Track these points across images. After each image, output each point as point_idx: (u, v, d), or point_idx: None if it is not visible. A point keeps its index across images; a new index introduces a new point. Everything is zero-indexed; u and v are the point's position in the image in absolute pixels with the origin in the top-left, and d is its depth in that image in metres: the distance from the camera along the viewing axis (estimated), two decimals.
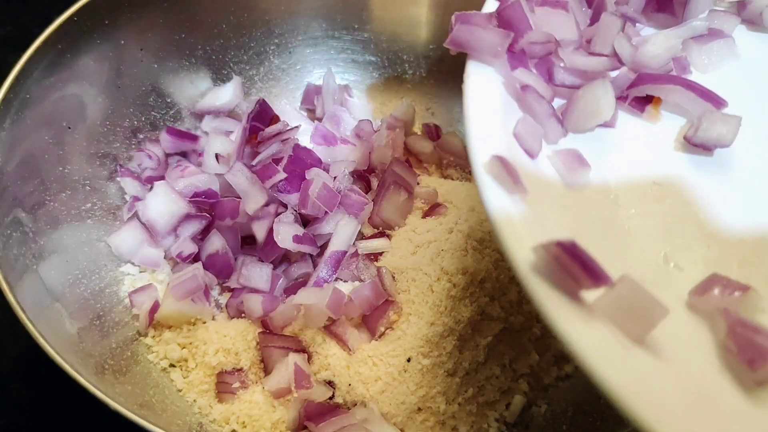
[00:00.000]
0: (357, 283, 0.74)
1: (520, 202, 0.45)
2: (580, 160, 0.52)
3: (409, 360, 0.67)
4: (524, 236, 0.43)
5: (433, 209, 0.81)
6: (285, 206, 0.76)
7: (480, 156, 0.47)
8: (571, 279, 0.41)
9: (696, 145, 0.56)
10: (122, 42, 0.79)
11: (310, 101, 0.95)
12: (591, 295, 0.42)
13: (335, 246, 0.74)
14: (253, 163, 0.78)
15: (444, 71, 0.97)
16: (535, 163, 0.51)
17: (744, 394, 0.42)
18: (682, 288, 0.48)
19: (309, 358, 0.69)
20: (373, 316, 0.70)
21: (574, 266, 0.40)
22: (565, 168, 0.51)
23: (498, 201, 0.45)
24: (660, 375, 0.40)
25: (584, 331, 0.39)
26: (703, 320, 0.47)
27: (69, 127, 0.75)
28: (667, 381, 0.40)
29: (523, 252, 0.42)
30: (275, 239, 0.72)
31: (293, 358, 0.67)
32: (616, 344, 0.40)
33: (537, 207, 0.46)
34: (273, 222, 0.74)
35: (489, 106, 0.51)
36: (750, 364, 0.42)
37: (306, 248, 0.74)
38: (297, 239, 0.73)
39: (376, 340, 0.70)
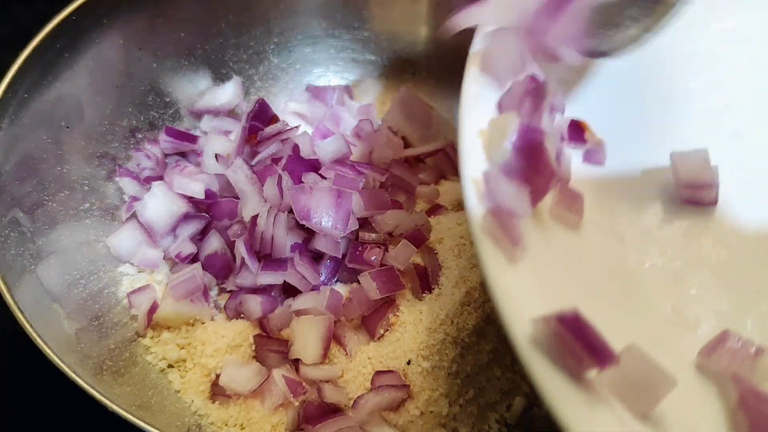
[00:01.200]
0: (355, 284, 0.74)
1: (519, 261, 0.41)
2: (576, 198, 0.48)
3: (409, 363, 0.67)
4: (523, 304, 0.39)
5: (435, 209, 0.80)
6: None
7: (477, 211, 0.42)
8: (574, 359, 0.37)
9: (689, 202, 0.53)
10: (121, 41, 0.79)
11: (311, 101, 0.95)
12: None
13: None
14: (253, 162, 0.78)
15: (444, 70, 0.96)
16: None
17: None
18: (691, 346, 0.44)
19: None
20: (373, 318, 0.70)
21: (577, 345, 0.37)
22: (564, 209, 0.48)
23: (497, 267, 0.40)
24: None
25: (587, 418, 0.36)
26: (713, 384, 0.43)
27: (67, 127, 0.74)
28: None
29: (521, 324, 0.38)
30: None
31: (277, 374, 0.66)
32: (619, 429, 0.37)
33: (537, 258, 0.42)
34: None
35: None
36: None
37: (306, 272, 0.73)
38: (294, 248, 0.73)
39: (375, 341, 0.70)
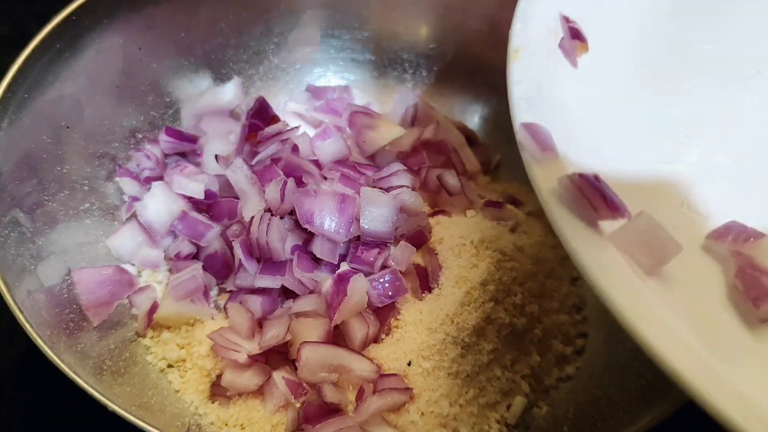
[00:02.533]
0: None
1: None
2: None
3: (409, 364, 0.67)
4: (552, 169, 0.46)
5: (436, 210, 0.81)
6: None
7: (520, 116, 0.50)
8: (591, 208, 0.44)
9: None
10: (121, 41, 0.79)
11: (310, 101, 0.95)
12: (609, 226, 0.44)
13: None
14: (253, 162, 0.78)
15: (444, 70, 0.96)
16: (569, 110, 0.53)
17: (747, 330, 0.45)
18: (699, 231, 0.51)
19: None
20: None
21: (594, 196, 0.44)
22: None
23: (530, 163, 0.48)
24: (668, 304, 0.42)
25: (599, 255, 0.42)
26: (716, 261, 0.49)
27: (67, 127, 0.74)
28: (674, 310, 0.42)
29: (548, 181, 0.45)
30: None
31: (278, 376, 0.66)
32: (629, 270, 0.43)
33: (569, 148, 0.49)
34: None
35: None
36: (754, 301, 0.45)
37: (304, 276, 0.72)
38: (294, 249, 0.73)
39: (376, 343, 0.69)
